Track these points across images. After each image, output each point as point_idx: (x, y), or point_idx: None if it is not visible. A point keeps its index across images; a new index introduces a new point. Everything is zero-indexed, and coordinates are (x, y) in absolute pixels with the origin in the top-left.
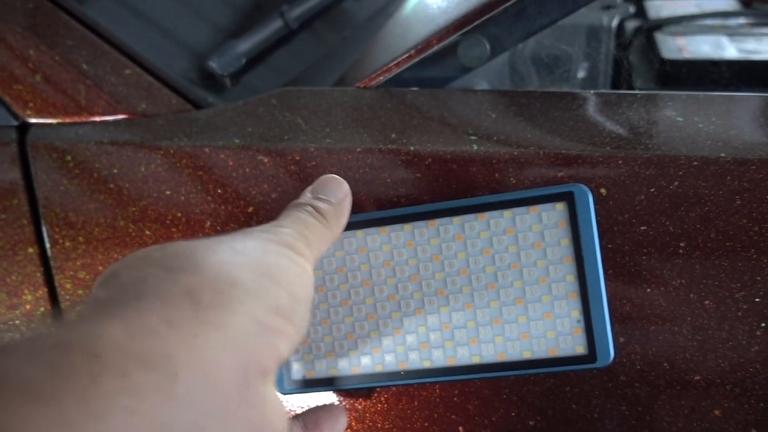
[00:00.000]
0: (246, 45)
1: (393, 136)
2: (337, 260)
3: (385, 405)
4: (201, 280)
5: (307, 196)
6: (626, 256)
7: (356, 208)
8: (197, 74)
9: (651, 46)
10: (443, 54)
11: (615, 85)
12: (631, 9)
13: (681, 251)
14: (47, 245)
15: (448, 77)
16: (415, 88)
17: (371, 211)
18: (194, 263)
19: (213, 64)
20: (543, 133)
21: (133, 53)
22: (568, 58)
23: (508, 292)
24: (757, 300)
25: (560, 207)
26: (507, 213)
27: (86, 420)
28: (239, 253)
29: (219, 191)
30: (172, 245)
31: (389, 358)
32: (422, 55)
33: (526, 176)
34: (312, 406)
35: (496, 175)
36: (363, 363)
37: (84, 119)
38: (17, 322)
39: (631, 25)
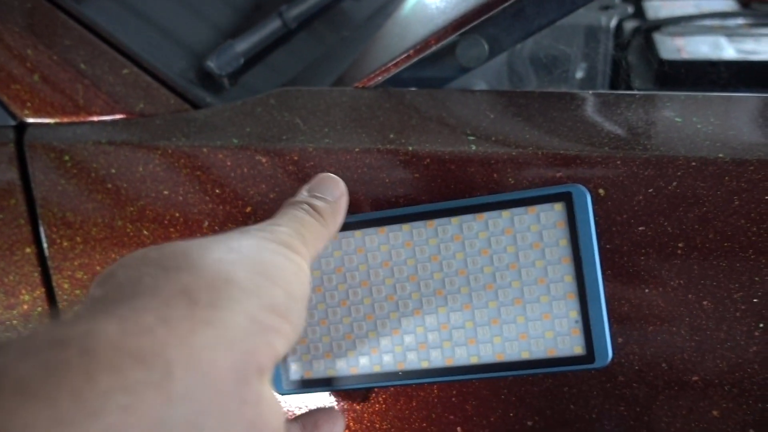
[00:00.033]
0: (244, 45)
1: (391, 136)
2: (336, 260)
3: (383, 405)
4: (197, 279)
5: (303, 194)
6: (624, 256)
7: (354, 208)
8: (195, 74)
9: (649, 47)
10: (442, 54)
11: (613, 86)
12: (630, 9)
13: (679, 252)
14: (45, 245)
15: (446, 77)
16: (413, 89)
17: (369, 211)
18: (190, 262)
19: (211, 64)
20: (541, 133)
21: (131, 53)
22: (567, 59)
23: (507, 292)
24: (755, 300)
25: (558, 207)
26: (505, 213)
27: (83, 418)
28: (235, 252)
29: (217, 191)
30: (169, 245)
31: (387, 359)
32: (421, 56)
33: (525, 176)
34: (310, 408)
35: (495, 175)
36: (361, 363)
37: (82, 119)
38: (14, 322)
39: (629, 25)
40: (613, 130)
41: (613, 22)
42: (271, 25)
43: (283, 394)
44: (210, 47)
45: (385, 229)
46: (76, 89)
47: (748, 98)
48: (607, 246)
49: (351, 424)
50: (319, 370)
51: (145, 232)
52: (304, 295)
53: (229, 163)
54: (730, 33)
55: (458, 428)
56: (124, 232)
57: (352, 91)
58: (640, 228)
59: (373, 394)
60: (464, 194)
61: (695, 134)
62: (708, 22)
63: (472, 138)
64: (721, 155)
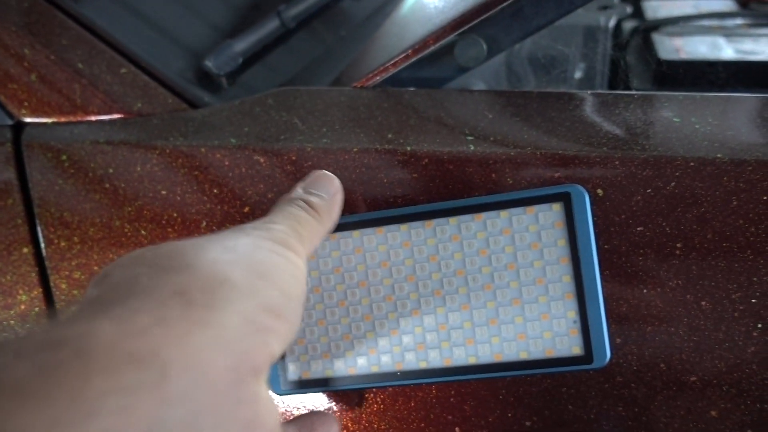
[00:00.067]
0: (243, 44)
1: (390, 136)
2: (334, 260)
3: (382, 406)
4: (192, 279)
5: (298, 191)
6: (623, 256)
7: (353, 208)
8: (193, 74)
9: (648, 47)
10: (440, 54)
11: (612, 86)
12: (628, 9)
13: (678, 252)
14: (42, 245)
15: (445, 77)
16: (412, 88)
17: (368, 211)
18: (186, 262)
19: (209, 64)
20: (540, 133)
21: (129, 52)
22: (565, 59)
23: (505, 292)
24: (753, 301)
25: (557, 207)
26: (504, 213)
27: (78, 419)
28: (231, 251)
29: (215, 191)
30: (165, 245)
31: (385, 359)
32: (419, 55)
33: (523, 177)
34: (306, 411)
35: (493, 175)
36: (359, 364)
37: (79, 118)
38: (12, 322)
39: (628, 25)
40: (611, 130)
41: (612, 22)
42: (270, 25)
43: (281, 395)
44: (208, 47)
45: (384, 229)
46: (74, 89)
47: (747, 98)
48: (606, 246)
49: (349, 424)
50: (317, 371)
51: (143, 232)
52: (300, 294)
53: (227, 163)
54: (729, 33)
55: (456, 428)
56: (122, 232)
57: (350, 90)
58: (639, 228)
59: (372, 395)
60: (463, 194)
61: (693, 134)
62: (706, 23)
63: (470, 138)
64: (719, 155)
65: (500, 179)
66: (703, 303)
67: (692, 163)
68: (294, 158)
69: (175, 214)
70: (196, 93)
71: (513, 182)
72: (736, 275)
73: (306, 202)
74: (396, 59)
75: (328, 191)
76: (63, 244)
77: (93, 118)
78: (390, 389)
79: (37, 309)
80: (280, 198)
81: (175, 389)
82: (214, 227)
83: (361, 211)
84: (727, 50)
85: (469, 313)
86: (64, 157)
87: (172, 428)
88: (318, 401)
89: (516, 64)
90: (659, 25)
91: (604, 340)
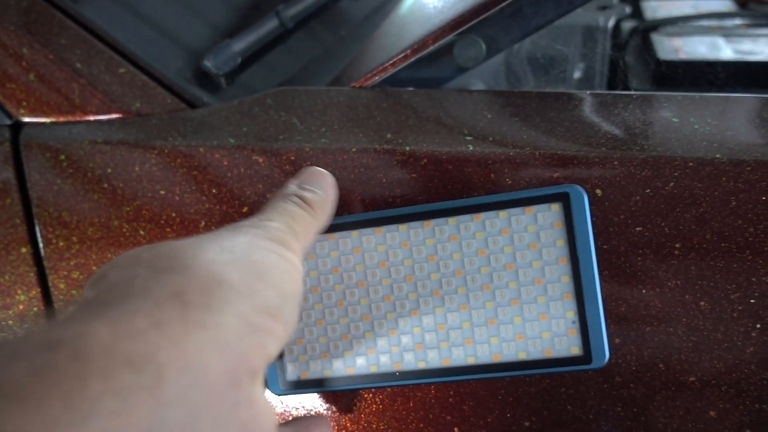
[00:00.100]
0: (241, 44)
1: (388, 136)
2: (332, 260)
3: (380, 406)
4: (189, 281)
5: (292, 187)
6: (621, 257)
7: (351, 208)
8: (192, 73)
9: (647, 47)
10: (439, 54)
11: (611, 86)
12: (628, 9)
13: (676, 252)
14: (41, 245)
15: (444, 77)
16: (410, 88)
17: (366, 211)
18: (182, 263)
19: (208, 64)
20: (539, 133)
21: (128, 52)
22: (564, 59)
23: (504, 293)
24: (752, 301)
25: (556, 208)
26: (502, 214)
27: (72, 422)
28: (228, 252)
29: (214, 191)
30: (161, 245)
31: (384, 359)
32: (418, 55)
33: (522, 177)
34: (304, 411)
35: (492, 175)
36: (358, 364)
37: (78, 118)
38: (10, 322)
39: (627, 25)
40: (610, 130)
41: (611, 23)
42: (269, 25)
43: (280, 395)
44: (207, 46)
45: (382, 229)
46: (72, 88)
47: (746, 99)
48: (605, 246)
49: (348, 424)
50: (316, 371)
51: (142, 232)
52: (296, 293)
53: (225, 163)
54: (728, 33)
55: (455, 429)
56: (121, 232)
57: (349, 90)
58: (638, 228)
59: (370, 395)
60: (461, 194)
61: (692, 135)
62: (705, 23)
63: (469, 138)
64: (718, 156)
65: (499, 179)
66: (702, 303)
67: (691, 164)
68: (293, 158)
69: (173, 214)
70: (194, 93)
71: (512, 182)
72: (734, 275)
73: (301, 198)
74: (395, 59)
75: (322, 186)
76: (61, 243)
77: (91, 117)
78: (389, 389)
79: (35, 309)
80: (274, 194)
81: (172, 392)
82: (213, 227)
83: (360, 211)
84: (726, 50)
85: (468, 313)
86: (62, 157)
87: (169, 431)
88: (317, 401)
89: (515, 64)
90: (658, 25)
91: (603, 340)
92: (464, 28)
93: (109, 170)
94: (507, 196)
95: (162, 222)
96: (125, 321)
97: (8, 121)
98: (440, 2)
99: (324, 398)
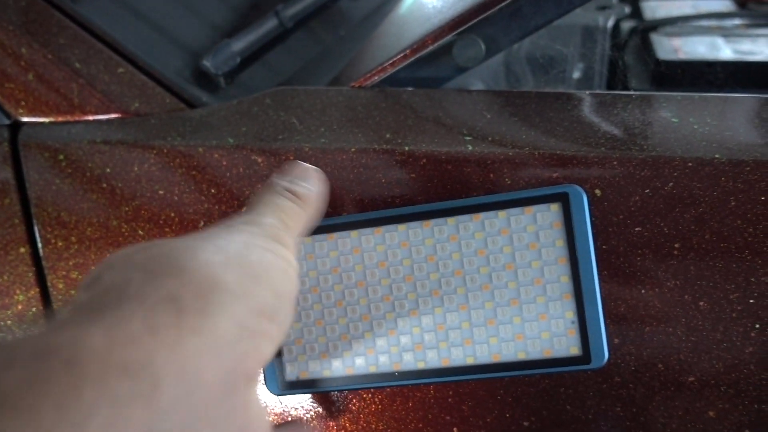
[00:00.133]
0: (240, 44)
1: (388, 136)
2: (332, 261)
3: (380, 406)
4: (184, 284)
5: (282, 181)
6: (621, 257)
7: (350, 208)
8: (191, 73)
9: (646, 47)
10: (438, 54)
11: (610, 86)
12: (627, 9)
13: (676, 252)
14: (39, 245)
15: (443, 77)
16: (410, 88)
17: (366, 211)
18: (177, 266)
19: (207, 63)
20: (538, 133)
21: (127, 52)
22: (564, 59)
23: (503, 293)
24: (751, 301)
25: (555, 208)
26: (502, 214)
27: (65, 431)
28: (223, 252)
29: (213, 191)
30: (155, 246)
31: (383, 359)
32: (417, 55)
33: (521, 177)
34: (303, 412)
35: (491, 175)
36: (357, 364)
37: (77, 118)
38: (9, 322)
39: (626, 25)
40: (609, 130)
41: (610, 23)
42: (268, 25)
43: (279, 395)
44: (206, 46)
45: (382, 229)
46: (71, 88)
47: (745, 99)
48: (604, 246)
49: (347, 424)
50: (315, 371)
51: (141, 232)
52: (291, 292)
53: (224, 163)
54: (727, 33)
55: (454, 429)
56: (119, 231)
57: (348, 90)
58: (637, 228)
59: (370, 395)
60: (461, 194)
61: (692, 135)
62: (705, 23)
63: (468, 138)
64: (717, 156)
65: (498, 179)
66: (701, 303)
67: (690, 164)
68: (292, 158)
69: (172, 214)
70: (193, 93)
71: (511, 182)
72: (734, 275)
73: (291, 191)
74: (394, 59)
75: (310, 180)
76: (60, 243)
77: (90, 117)
78: (388, 389)
79: (34, 309)
80: (263, 188)
81: (168, 399)
82: None
83: (359, 211)
84: (725, 50)
85: (467, 313)
86: (61, 157)
87: None
88: (316, 402)
89: (514, 64)
90: (658, 25)
91: (602, 340)
92: (463, 28)
93: (108, 170)
94: (506, 196)
95: (161, 222)
96: (120, 327)
97: (7, 121)
98: (439, 2)
99: (323, 398)
